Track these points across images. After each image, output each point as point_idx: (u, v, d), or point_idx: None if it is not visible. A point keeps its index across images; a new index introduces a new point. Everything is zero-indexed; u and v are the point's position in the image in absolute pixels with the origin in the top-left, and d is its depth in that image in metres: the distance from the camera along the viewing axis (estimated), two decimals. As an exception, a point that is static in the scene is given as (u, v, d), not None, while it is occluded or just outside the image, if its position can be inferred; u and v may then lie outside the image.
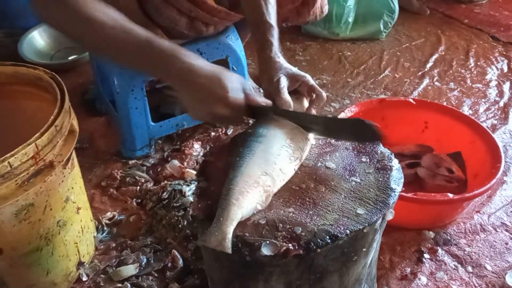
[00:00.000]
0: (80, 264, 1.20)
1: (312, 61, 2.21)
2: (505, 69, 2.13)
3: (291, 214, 0.83)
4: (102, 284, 1.19)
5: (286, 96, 1.02)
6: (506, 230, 1.36)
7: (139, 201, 1.44)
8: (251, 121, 1.03)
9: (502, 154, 1.35)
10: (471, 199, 1.32)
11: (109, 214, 1.39)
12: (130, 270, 1.20)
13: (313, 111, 1.07)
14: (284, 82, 1.03)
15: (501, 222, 1.39)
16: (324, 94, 1.06)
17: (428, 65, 2.17)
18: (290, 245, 0.77)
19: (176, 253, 1.24)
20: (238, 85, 0.95)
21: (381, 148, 0.98)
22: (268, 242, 0.77)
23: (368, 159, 0.95)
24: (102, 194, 1.47)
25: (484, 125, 1.56)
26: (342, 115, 1.47)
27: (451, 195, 1.23)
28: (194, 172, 1.48)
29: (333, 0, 2.19)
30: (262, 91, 1.80)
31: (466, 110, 1.86)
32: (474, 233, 1.35)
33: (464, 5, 2.72)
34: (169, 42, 0.95)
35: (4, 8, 2.18)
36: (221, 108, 0.93)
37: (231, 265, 0.87)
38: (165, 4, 1.32)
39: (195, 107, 0.97)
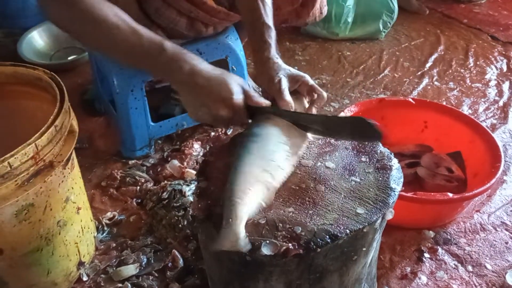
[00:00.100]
0: (81, 264, 1.20)
1: (312, 61, 2.21)
2: (505, 69, 2.14)
3: (291, 213, 0.83)
4: (102, 284, 1.19)
5: (288, 97, 1.02)
6: (506, 230, 1.36)
7: (139, 201, 1.44)
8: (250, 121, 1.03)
9: (502, 154, 1.35)
10: (471, 199, 1.32)
11: (109, 214, 1.39)
12: (130, 270, 1.20)
13: (314, 111, 1.07)
14: (285, 83, 1.03)
15: (501, 221, 1.39)
16: (325, 94, 1.07)
17: (428, 65, 2.17)
18: (290, 244, 0.77)
19: (177, 253, 1.24)
20: (239, 87, 0.97)
21: (380, 148, 0.98)
22: (268, 241, 0.77)
23: (367, 159, 0.95)
24: (102, 194, 1.47)
25: (483, 124, 1.56)
26: (342, 115, 1.47)
27: (450, 195, 1.23)
28: (194, 172, 1.48)
29: (332, 0, 2.19)
30: (261, 91, 1.82)
31: (465, 110, 1.86)
32: (474, 232, 1.36)
33: (463, 4, 2.72)
34: (176, 45, 0.96)
35: (3, 8, 2.18)
36: (223, 110, 0.95)
37: (231, 264, 0.87)
38: (164, 5, 1.32)
39: (198, 109, 0.98)
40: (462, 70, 2.13)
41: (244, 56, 1.63)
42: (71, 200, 1.11)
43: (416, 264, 1.26)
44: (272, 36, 1.11)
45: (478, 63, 2.18)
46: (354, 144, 0.99)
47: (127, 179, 1.50)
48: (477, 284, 1.21)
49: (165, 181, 1.47)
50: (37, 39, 2.15)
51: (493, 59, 2.21)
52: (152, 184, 1.48)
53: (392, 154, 0.97)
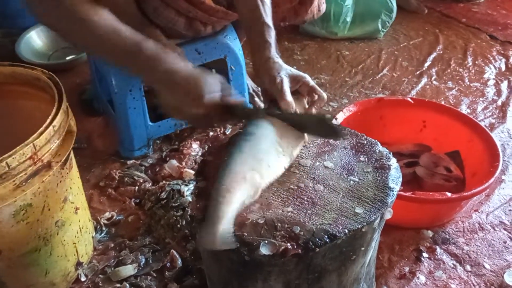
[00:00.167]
0: (79, 264, 1.20)
1: (310, 60, 2.21)
2: (503, 68, 2.14)
3: (289, 213, 0.83)
4: (100, 284, 1.19)
5: (290, 97, 1.02)
6: (505, 229, 1.36)
7: (138, 201, 1.44)
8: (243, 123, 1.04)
9: (500, 153, 1.35)
10: (469, 198, 1.32)
11: (107, 214, 1.38)
12: (128, 270, 1.20)
13: (314, 111, 1.08)
14: (287, 83, 1.04)
15: (499, 221, 1.39)
16: (325, 95, 1.07)
17: (426, 64, 2.17)
18: (288, 244, 0.77)
19: (175, 253, 1.24)
20: (215, 86, 0.98)
21: (379, 147, 0.98)
22: (266, 241, 0.78)
23: (366, 159, 0.95)
24: (101, 194, 1.47)
25: (482, 124, 1.56)
26: (340, 115, 1.47)
27: (449, 194, 1.23)
28: (193, 172, 1.48)
29: (331, 0, 2.19)
30: (261, 91, 1.82)
31: (464, 109, 1.86)
32: (473, 232, 1.36)
33: (462, 4, 2.72)
34: (155, 45, 0.98)
35: (2, 8, 2.17)
36: (197, 109, 0.96)
37: (230, 264, 0.87)
38: (163, 5, 1.32)
39: (175, 107, 1.00)
40: (460, 70, 2.13)
41: (243, 55, 1.63)
42: (69, 200, 1.10)
43: (414, 263, 1.26)
44: (272, 36, 1.11)
45: (476, 62, 2.18)
46: (353, 143, 0.99)
47: (126, 179, 1.50)
48: (475, 283, 1.21)
49: (164, 181, 1.46)
50: (35, 39, 2.15)
51: (491, 58, 2.21)
52: (150, 184, 1.48)
53: (391, 153, 0.97)
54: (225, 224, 0.78)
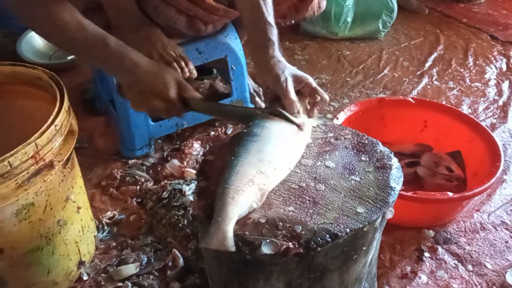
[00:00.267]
0: (81, 263, 1.20)
1: (311, 60, 2.21)
2: (504, 68, 2.14)
3: (291, 213, 0.83)
4: (103, 283, 1.19)
5: (294, 96, 1.03)
6: (506, 229, 1.36)
7: (139, 200, 1.44)
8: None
9: (502, 153, 1.35)
10: (470, 198, 1.32)
11: (109, 214, 1.39)
12: (130, 269, 1.20)
13: (316, 113, 1.08)
14: (291, 83, 1.04)
15: (501, 221, 1.39)
16: (327, 97, 1.07)
17: (427, 64, 2.17)
18: (290, 243, 0.77)
19: (177, 252, 1.24)
20: (174, 81, 1.07)
21: (380, 147, 0.98)
22: (268, 240, 0.77)
23: (367, 158, 0.95)
24: (102, 193, 1.47)
25: (483, 124, 1.56)
26: (341, 115, 1.47)
27: (450, 194, 1.23)
28: (194, 172, 1.48)
29: (332, 0, 2.19)
30: (262, 91, 1.81)
31: (465, 109, 1.86)
32: (474, 231, 1.36)
33: (463, 4, 2.72)
34: (118, 41, 1.05)
35: (2, 7, 2.17)
36: (158, 103, 1.06)
37: (231, 264, 0.87)
38: (163, 3, 1.32)
39: (137, 101, 1.09)
40: (461, 70, 2.13)
41: (244, 55, 1.63)
42: (71, 199, 1.11)
43: (416, 263, 1.26)
44: (275, 34, 1.11)
45: (477, 62, 2.18)
46: (354, 143, 1.00)
47: (127, 178, 1.50)
48: (477, 283, 1.21)
49: (165, 181, 1.47)
50: (36, 38, 2.15)
51: (492, 58, 2.21)
52: (152, 183, 1.48)
53: (392, 153, 0.97)
54: (233, 225, 0.78)
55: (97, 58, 1.07)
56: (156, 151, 1.62)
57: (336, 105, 1.89)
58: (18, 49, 2.05)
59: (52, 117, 0.97)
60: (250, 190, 0.83)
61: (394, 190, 0.88)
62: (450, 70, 2.13)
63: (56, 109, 0.99)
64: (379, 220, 0.84)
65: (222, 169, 0.90)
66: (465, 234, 1.35)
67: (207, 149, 1.61)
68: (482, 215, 1.41)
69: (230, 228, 0.77)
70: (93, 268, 1.22)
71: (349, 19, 2.27)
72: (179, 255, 1.23)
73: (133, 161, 1.57)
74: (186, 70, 1.27)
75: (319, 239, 0.78)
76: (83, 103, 1.82)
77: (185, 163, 1.54)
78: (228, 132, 1.69)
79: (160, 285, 1.18)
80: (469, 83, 2.03)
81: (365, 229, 0.81)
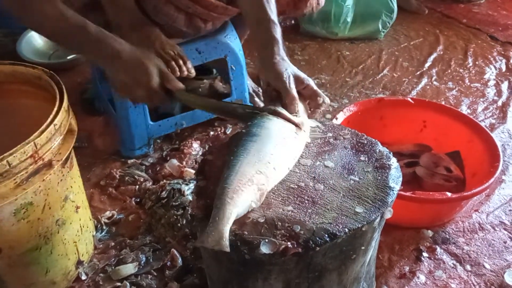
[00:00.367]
0: (79, 263, 1.20)
1: (311, 60, 2.21)
2: (504, 69, 2.14)
3: (290, 212, 0.83)
4: (101, 283, 1.19)
5: (295, 93, 1.03)
6: (505, 229, 1.37)
7: (138, 200, 1.44)
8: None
9: (501, 153, 1.35)
10: (469, 198, 1.32)
11: (108, 213, 1.39)
12: (129, 269, 1.20)
13: (317, 115, 1.08)
14: (293, 81, 1.04)
15: (499, 221, 1.39)
16: (327, 100, 1.08)
17: (427, 65, 2.18)
18: (289, 243, 0.77)
19: (175, 252, 1.24)
20: (156, 69, 1.07)
21: (379, 147, 0.98)
22: (267, 240, 0.77)
23: (366, 158, 0.95)
24: (101, 193, 1.47)
25: (482, 124, 1.56)
26: (340, 115, 1.47)
27: (449, 194, 1.23)
28: (193, 171, 1.48)
29: (331, 0, 2.20)
30: (261, 91, 1.81)
31: (464, 110, 1.86)
32: (473, 231, 1.36)
33: (463, 4, 2.72)
34: (98, 27, 1.05)
35: (2, 7, 2.17)
36: (140, 91, 1.07)
37: (230, 263, 0.87)
38: (162, 1, 1.32)
39: (120, 88, 1.10)
40: (461, 70, 2.13)
41: (243, 55, 1.63)
42: (70, 199, 1.11)
43: (414, 263, 1.26)
44: (278, 33, 1.11)
45: (477, 63, 2.18)
46: (353, 143, 1.00)
47: (126, 178, 1.50)
48: (475, 283, 1.21)
49: (164, 180, 1.47)
50: (36, 38, 2.15)
51: (492, 59, 2.21)
52: (151, 183, 1.48)
53: (391, 153, 0.97)
54: (230, 225, 0.78)
55: (78, 47, 1.09)
56: (155, 151, 1.62)
57: (335, 105, 1.89)
58: (18, 49, 2.05)
59: (51, 116, 0.97)
60: (249, 190, 0.83)
61: (393, 190, 0.88)
62: (449, 71, 2.13)
63: (55, 109, 0.99)
64: (377, 220, 0.84)
65: (221, 169, 0.90)
66: (463, 234, 1.35)
67: (206, 149, 1.61)
68: (481, 215, 1.41)
69: (227, 228, 0.77)
70: (91, 268, 1.22)
71: (349, 20, 2.28)
72: (177, 255, 1.23)
73: (132, 160, 1.57)
74: (185, 69, 1.27)
75: (317, 238, 0.78)
76: (83, 102, 1.82)
77: (184, 163, 1.54)
78: (228, 132, 1.69)
79: (158, 285, 1.18)
80: (469, 84, 2.04)
81: (363, 229, 0.82)
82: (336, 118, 1.45)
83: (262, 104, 1.77)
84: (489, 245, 1.32)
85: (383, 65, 2.17)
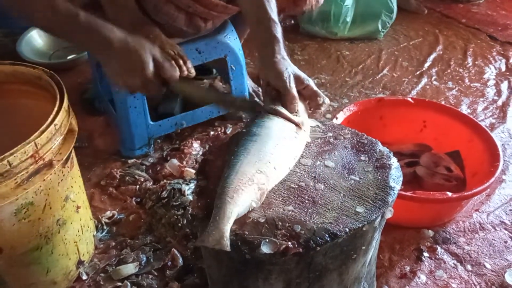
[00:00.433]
0: (80, 263, 1.20)
1: (311, 60, 2.21)
2: (503, 68, 2.14)
3: (290, 212, 0.83)
4: (102, 283, 1.19)
5: (295, 91, 1.03)
6: (505, 229, 1.37)
7: (139, 200, 1.44)
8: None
9: (501, 153, 1.35)
10: (469, 198, 1.32)
11: (108, 213, 1.39)
12: (130, 269, 1.20)
13: (318, 116, 1.08)
14: (293, 80, 1.04)
15: (500, 221, 1.39)
16: (327, 100, 1.08)
17: (426, 65, 2.18)
18: (289, 243, 0.77)
19: (176, 252, 1.24)
20: (150, 57, 1.03)
21: (380, 147, 0.98)
22: (267, 240, 0.77)
23: (367, 158, 0.95)
24: (102, 193, 1.47)
25: (482, 124, 1.56)
26: (340, 115, 1.47)
27: (449, 194, 1.23)
28: (193, 171, 1.48)
29: (331, 0, 2.20)
30: (261, 90, 1.82)
31: (464, 109, 1.86)
32: (473, 231, 1.36)
33: (462, 4, 2.73)
34: (90, 15, 1.02)
35: (2, 8, 2.17)
36: (134, 80, 1.03)
37: (230, 263, 0.87)
38: (163, 1, 1.33)
39: (115, 76, 1.06)
40: (460, 70, 2.13)
41: (243, 55, 1.63)
42: (70, 198, 1.11)
43: (415, 263, 1.26)
44: (279, 32, 1.11)
45: (476, 62, 2.19)
46: (354, 143, 1.00)
47: (127, 178, 1.50)
48: (476, 283, 1.22)
49: (165, 180, 1.47)
50: (36, 38, 2.15)
51: (491, 58, 2.21)
52: (151, 183, 1.48)
53: (391, 153, 0.97)
54: (231, 224, 0.78)
55: (69, 36, 1.06)
56: (155, 151, 1.62)
57: (335, 105, 1.89)
58: (18, 49, 2.05)
59: (51, 116, 0.97)
60: (250, 189, 0.83)
61: (393, 190, 0.88)
62: (449, 70, 2.13)
63: (55, 109, 0.99)
64: (378, 220, 0.84)
65: (222, 169, 0.90)
66: (464, 234, 1.35)
67: (207, 148, 1.61)
68: (481, 215, 1.41)
69: (227, 228, 0.77)
70: (92, 268, 1.22)
71: (349, 19, 2.28)
72: (178, 254, 1.23)
73: (132, 160, 1.57)
74: (184, 68, 1.27)
75: (318, 238, 0.78)
76: (83, 102, 1.82)
77: (184, 162, 1.54)
78: (228, 132, 1.69)
79: (159, 285, 1.18)
80: (468, 83, 2.04)
81: (364, 229, 0.82)
82: (336, 118, 1.45)
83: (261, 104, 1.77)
84: (489, 245, 1.32)
85: (383, 65, 2.17)
